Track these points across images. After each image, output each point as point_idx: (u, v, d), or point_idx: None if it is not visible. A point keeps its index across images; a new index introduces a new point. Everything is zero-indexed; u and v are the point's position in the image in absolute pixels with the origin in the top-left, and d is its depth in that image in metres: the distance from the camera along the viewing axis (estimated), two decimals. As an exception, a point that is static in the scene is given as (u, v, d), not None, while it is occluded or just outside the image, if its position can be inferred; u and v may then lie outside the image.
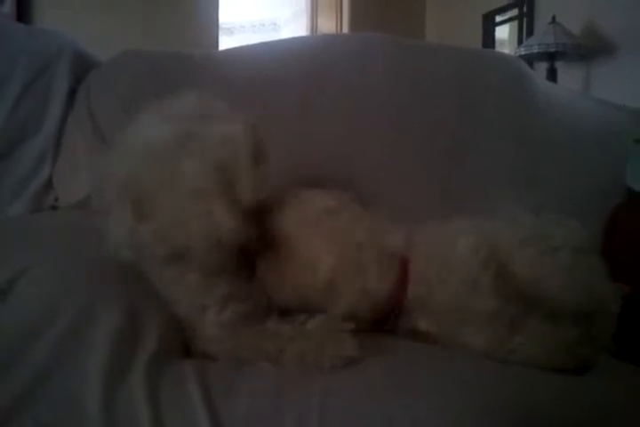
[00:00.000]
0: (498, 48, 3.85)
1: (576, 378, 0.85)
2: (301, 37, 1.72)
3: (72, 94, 1.39)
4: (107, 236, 0.83)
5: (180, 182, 0.81)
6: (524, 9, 3.58)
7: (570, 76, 3.10)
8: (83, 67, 1.43)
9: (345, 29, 4.56)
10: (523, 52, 3.02)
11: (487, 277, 0.89)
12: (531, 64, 2.97)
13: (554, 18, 3.02)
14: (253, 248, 0.86)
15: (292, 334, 0.85)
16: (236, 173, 0.83)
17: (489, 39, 3.89)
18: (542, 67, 3.08)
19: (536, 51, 2.98)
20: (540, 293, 0.88)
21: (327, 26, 4.70)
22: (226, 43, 4.33)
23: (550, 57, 3.01)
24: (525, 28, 3.56)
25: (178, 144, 0.83)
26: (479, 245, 0.93)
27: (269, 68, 1.38)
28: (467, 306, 0.90)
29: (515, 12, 3.69)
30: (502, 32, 3.88)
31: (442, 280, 0.92)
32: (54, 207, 1.34)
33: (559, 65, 3.04)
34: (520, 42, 3.46)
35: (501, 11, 3.80)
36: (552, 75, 2.99)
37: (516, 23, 3.70)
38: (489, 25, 3.89)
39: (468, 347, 0.90)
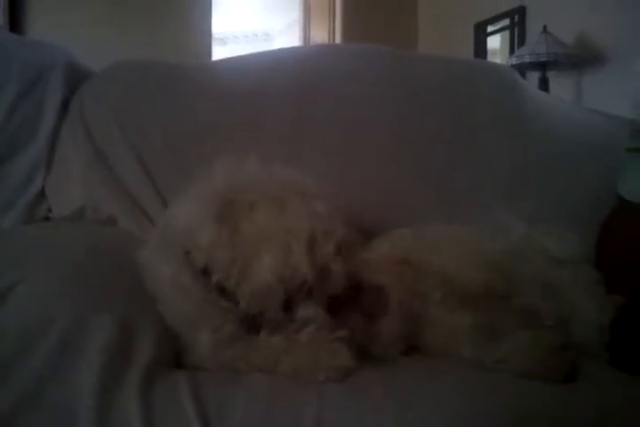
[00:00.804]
0: (490, 58, 3.87)
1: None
2: (294, 47, 1.73)
3: (65, 105, 1.39)
4: None
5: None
6: (516, 19, 3.60)
7: (561, 86, 3.12)
8: (76, 78, 1.43)
9: (337, 40, 4.58)
10: (514, 62, 3.03)
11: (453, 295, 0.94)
12: (522, 74, 2.98)
13: (545, 28, 3.04)
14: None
15: (285, 346, 0.84)
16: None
17: (481, 49, 3.91)
18: (534, 76, 3.09)
19: (528, 60, 2.99)
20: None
21: (320, 37, 4.73)
22: (219, 53, 4.36)
23: (542, 66, 3.02)
24: (517, 37, 3.58)
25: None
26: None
27: (262, 79, 1.38)
28: (449, 322, 0.93)
29: (506, 21, 3.71)
30: (494, 42, 3.89)
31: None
32: (47, 218, 1.34)
33: (551, 74, 3.06)
34: (512, 51, 3.48)
35: (493, 21, 3.82)
36: (544, 84, 3.01)
37: (507, 33, 3.71)
38: (480, 35, 3.91)
39: (457, 357, 0.91)
